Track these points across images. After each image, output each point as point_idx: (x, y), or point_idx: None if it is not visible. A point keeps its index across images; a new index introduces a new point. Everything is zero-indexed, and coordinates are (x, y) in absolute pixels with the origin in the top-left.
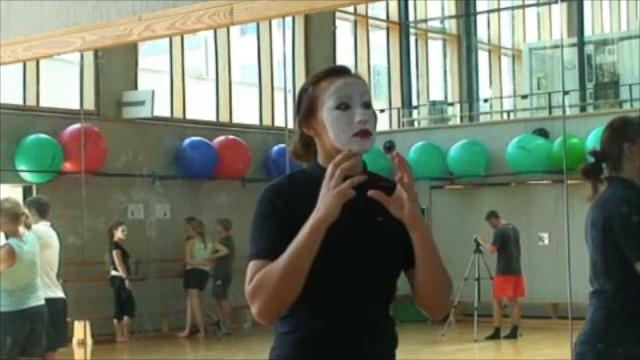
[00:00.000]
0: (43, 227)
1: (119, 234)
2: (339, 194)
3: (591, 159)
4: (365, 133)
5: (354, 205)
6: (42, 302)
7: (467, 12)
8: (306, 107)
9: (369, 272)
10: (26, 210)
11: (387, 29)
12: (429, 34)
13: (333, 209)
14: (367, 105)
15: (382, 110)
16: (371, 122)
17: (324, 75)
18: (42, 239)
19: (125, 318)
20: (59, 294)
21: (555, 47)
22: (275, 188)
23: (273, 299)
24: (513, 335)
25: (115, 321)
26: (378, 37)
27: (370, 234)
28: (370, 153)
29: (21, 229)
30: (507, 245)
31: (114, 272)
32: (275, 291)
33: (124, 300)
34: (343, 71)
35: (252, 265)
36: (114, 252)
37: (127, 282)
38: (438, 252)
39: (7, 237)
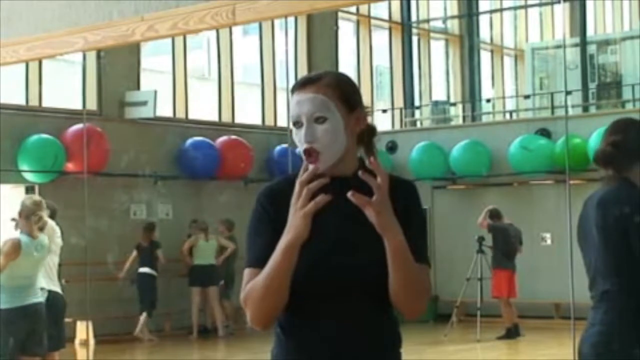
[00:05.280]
0: (50, 221)
1: (156, 234)
2: (305, 215)
3: (609, 148)
4: (309, 153)
5: (341, 203)
6: (41, 299)
7: (469, 12)
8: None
9: (360, 269)
10: (43, 214)
11: (390, 29)
12: (432, 34)
13: (301, 230)
14: (319, 120)
15: (384, 111)
16: (320, 138)
17: (292, 88)
18: (47, 232)
19: (144, 314)
20: (60, 290)
21: (558, 47)
22: (269, 191)
23: (260, 310)
24: (509, 335)
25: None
26: (380, 38)
27: (356, 232)
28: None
29: (36, 229)
30: (502, 240)
31: (141, 270)
32: (261, 305)
33: (152, 298)
34: (302, 85)
35: (246, 273)
36: (158, 251)
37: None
38: (408, 260)
39: (21, 232)
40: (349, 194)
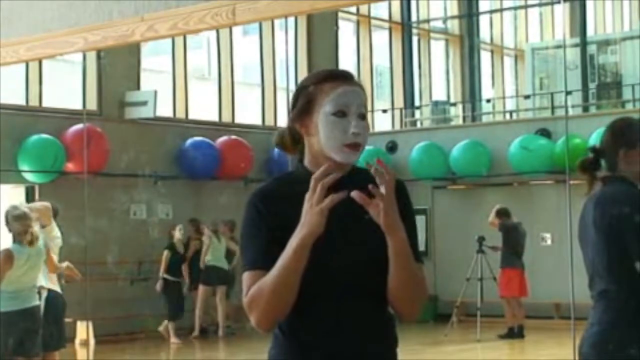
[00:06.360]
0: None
1: (176, 234)
2: (322, 211)
3: (590, 155)
4: (356, 146)
5: (342, 203)
6: (38, 302)
7: (469, 12)
8: (303, 105)
9: (359, 269)
10: (33, 226)
11: (390, 29)
12: (432, 34)
13: (316, 227)
14: (363, 116)
15: (384, 111)
16: (364, 134)
17: (327, 77)
18: (48, 234)
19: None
20: (59, 289)
21: (558, 47)
22: (261, 193)
23: (267, 312)
24: (510, 335)
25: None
26: (380, 38)
27: (357, 231)
28: (373, 153)
29: (28, 236)
30: (513, 239)
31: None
32: (269, 305)
33: (177, 302)
34: (346, 77)
35: (246, 276)
36: (164, 253)
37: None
38: (410, 259)
39: (14, 239)
40: (353, 193)
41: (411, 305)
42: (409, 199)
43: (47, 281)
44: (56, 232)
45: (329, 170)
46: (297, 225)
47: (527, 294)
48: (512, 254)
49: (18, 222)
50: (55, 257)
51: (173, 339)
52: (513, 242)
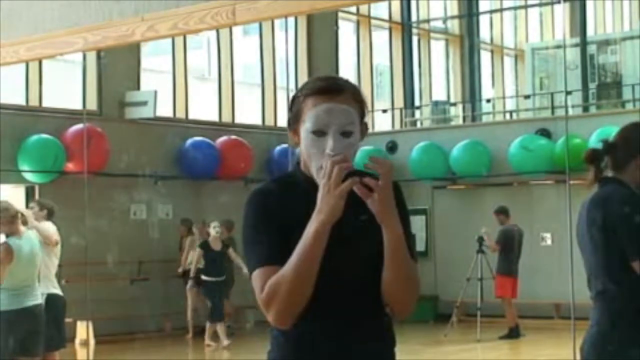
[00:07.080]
0: (47, 223)
1: (212, 232)
2: (342, 193)
3: (601, 147)
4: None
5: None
6: (40, 301)
7: (469, 12)
8: (294, 115)
9: (357, 270)
10: (23, 209)
11: (390, 29)
12: (432, 34)
13: (337, 209)
14: (347, 134)
15: (384, 111)
16: (346, 152)
17: (314, 91)
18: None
19: (217, 323)
20: (59, 291)
21: (558, 47)
22: (261, 192)
23: (288, 304)
24: (510, 335)
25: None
26: (380, 37)
27: (356, 231)
28: (373, 153)
29: (21, 228)
30: (510, 246)
31: (204, 277)
32: (290, 297)
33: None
34: (334, 93)
35: (258, 273)
36: (198, 250)
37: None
38: (406, 255)
39: (6, 236)
40: (355, 187)
41: (404, 301)
42: (402, 197)
43: (48, 285)
44: (58, 254)
45: (346, 157)
46: (295, 225)
47: (517, 296)
48: (508, 259)
49: (6, 212)
50: (56, 260)
51: (225, 341)
52: (508, 248)
